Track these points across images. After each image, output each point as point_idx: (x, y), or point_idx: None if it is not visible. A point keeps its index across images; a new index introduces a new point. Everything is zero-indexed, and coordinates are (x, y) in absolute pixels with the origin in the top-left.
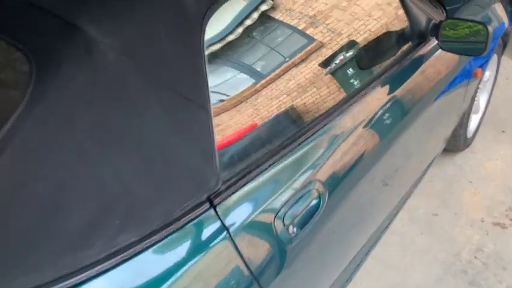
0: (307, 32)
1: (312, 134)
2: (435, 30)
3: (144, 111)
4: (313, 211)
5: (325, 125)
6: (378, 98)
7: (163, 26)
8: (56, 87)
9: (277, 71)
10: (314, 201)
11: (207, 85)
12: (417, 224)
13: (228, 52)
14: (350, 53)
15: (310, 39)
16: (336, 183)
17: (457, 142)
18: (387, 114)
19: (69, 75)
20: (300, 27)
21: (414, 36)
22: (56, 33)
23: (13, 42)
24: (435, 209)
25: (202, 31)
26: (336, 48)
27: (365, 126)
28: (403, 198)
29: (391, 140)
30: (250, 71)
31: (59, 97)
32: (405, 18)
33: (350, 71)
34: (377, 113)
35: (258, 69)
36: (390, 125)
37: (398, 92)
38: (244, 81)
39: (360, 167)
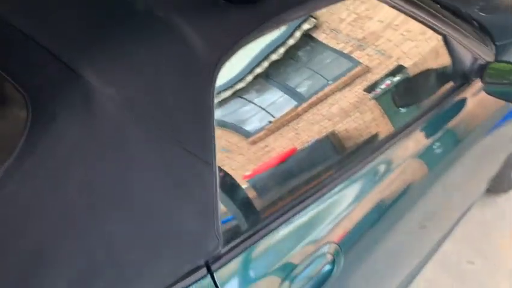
0: (350, 53)
1: (337, 184)
2: (481, 71)
3: (142, 167)
4: (326, 276)
5: (353, 173)
6: (417, 140)
7: (169, 75)
8: (49, 140)
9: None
10: (328, 267)
11: (214, 139)
12: (448, 272)
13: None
14: (395, 79)
15: (354, 61)
16: (360, 235)
17: (500, 183)
18: (427, 155)
19: (64, 127)
20: (345, 50)
21: (456, 75)
22: (55, 79)
23: (14, 84)
24: (469, 257)
25: (212, 81)
26: (381, 73)
27: (401, 170)
28: (437, 243)
29: (431, 182)
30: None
31: (51, 152)
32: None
33: (392, 102)
34: (416, 154)
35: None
36: (431, 166)
37: (439, 134)
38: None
39: (392, 213)
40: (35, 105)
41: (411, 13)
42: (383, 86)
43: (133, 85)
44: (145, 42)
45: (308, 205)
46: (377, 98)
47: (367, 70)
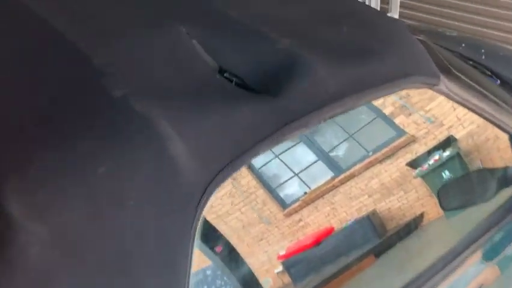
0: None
1: None
2: None
3: None
4: None
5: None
6: (471, 263)
7: (135, 203)
8: None
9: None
10: None
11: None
12: None
13: None
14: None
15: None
16: None
17: None
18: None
19: None
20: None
21: None
22: None
23: None
24: None
25: (196, 214)
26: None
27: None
28: None
29: None
30: None
31: None
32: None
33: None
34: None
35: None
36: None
37: (497, 257)
38: None
39: None
40: None
41: (474, 107)
42: (431, 162)
43: (74, 219)
44: (105, 150)
45: None
46: (424, 176)
47: (412, 140)
